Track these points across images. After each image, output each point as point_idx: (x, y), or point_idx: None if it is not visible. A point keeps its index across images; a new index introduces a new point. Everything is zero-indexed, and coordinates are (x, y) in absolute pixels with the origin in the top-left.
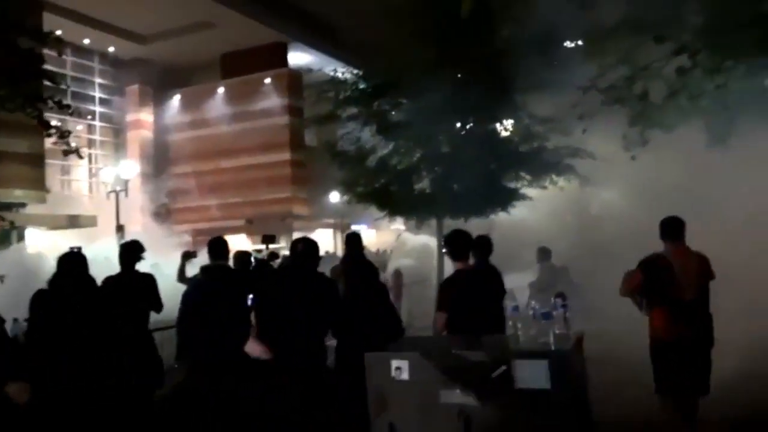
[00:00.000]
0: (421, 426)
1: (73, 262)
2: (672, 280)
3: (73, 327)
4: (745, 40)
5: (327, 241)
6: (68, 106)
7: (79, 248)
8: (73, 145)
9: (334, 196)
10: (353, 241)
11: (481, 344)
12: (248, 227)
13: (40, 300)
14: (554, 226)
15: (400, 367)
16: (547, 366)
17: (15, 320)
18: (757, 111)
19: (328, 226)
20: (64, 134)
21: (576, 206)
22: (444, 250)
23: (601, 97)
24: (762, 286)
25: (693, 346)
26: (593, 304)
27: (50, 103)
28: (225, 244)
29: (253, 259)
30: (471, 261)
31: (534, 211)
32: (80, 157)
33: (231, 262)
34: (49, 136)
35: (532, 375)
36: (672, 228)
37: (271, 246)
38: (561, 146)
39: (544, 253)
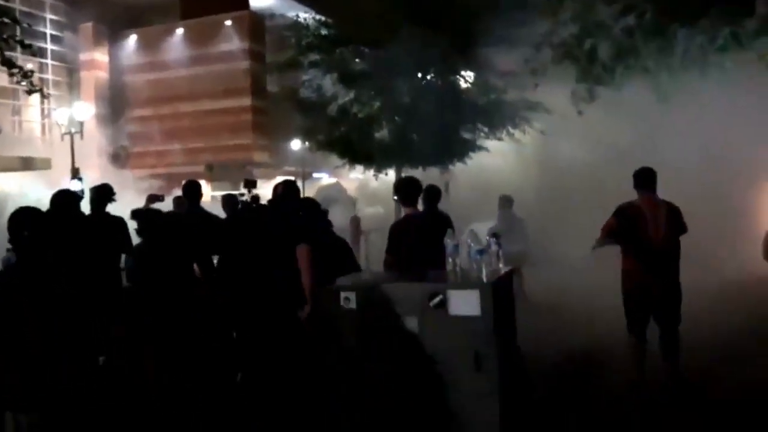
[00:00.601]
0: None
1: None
2: (644, 228)
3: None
4: (687, 3)
5: None
6: (30, 46)
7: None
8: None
9: (296, 144)
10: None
11: (421, 277)
12: (208, 173)
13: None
14: (519, 175)
15: (349, 298)
16: (478, 296)
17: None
18: (698, 70)
19: (289, 173)
20: (27, 74)
21: (538, 157)
22: (394, 197)
23: (553, 54)
24: (713, 232)
25: (661, 293)
26: (553, 249)
27: (11, 42)
28: (199, 187)
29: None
30: (420, 207)
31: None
32: (44, 96)
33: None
34: (12, 75)
35: (465, 303)
36: (645, 178)
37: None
38: (517, 100)
39: (505, 201)
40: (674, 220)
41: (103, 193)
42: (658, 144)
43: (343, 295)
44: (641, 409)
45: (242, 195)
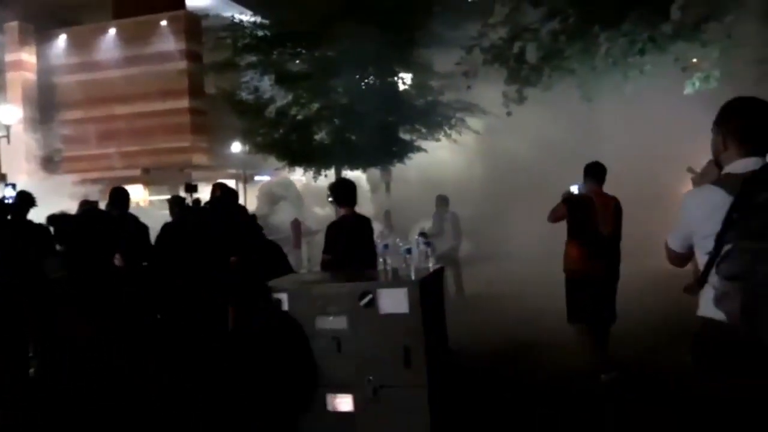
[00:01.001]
0: (300, 349)
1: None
2: (593, 218)
3: None
4: (609, 7)
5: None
6: None
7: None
8: None
9: (236, 146)
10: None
11: (352, 277)
12: (145, 177)
13: None
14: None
15: (280, 299)
16: (406, 293)
17: None
18: (620, 72)
19: (230, 176)
20: None
21: (475, 156)
22: (329, 199)
23: (483, 56)
24: (639, 225)
25: (603, 279)
26: (493, 244)
27: None
28: (126, 193)
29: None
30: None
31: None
32: None
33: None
34: None
35: (393, 301)
36: (597, 171)
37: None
38: (453, 101)
39: (441, 200)
40: (619, 214)
41: (24, 200)
42: (587, 141)
43: (274, 296)
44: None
45: (183, 199)
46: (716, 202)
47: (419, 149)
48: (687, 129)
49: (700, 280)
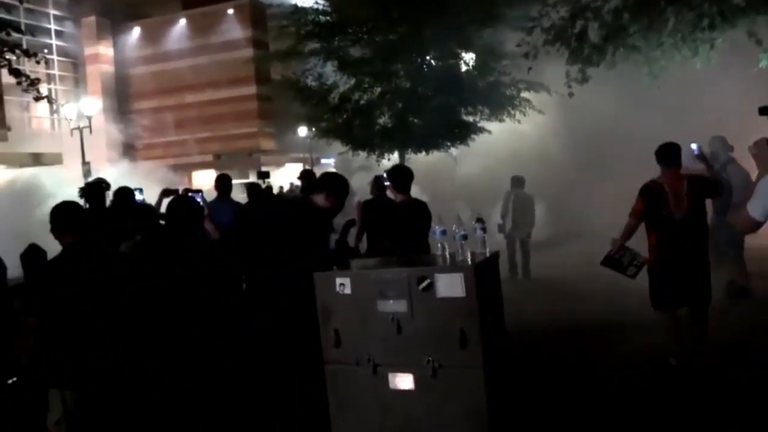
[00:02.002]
0: (361, 331)
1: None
2: (663, 203)
3: None
4: None
5: (297, 174)
6: (36, 54)
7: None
8: (44, 92)
9: (302, 130)
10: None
11: (410, 262)
12: (216, 162)
13: None
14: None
15: (344, 284)
16: (462, 278)
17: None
18: (689, 47)
19: (296, 160)
20: (34, 82)
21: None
22: (387, 183)
23: (544, 36)
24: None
25: (684, 263)
26: (564, 227)
27: (17, 51)
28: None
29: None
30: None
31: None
32: (51, 103)
33: None
34: (20, 84)
35: (450, 286)
36: (664, 154)
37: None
38: (516, 81)
39: (516, 181)
40: (695, 193)
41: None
42: (655, 119)
43: (338, 281)
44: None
45: (259, 185)
46: None
47: (482, 130)
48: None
49: None
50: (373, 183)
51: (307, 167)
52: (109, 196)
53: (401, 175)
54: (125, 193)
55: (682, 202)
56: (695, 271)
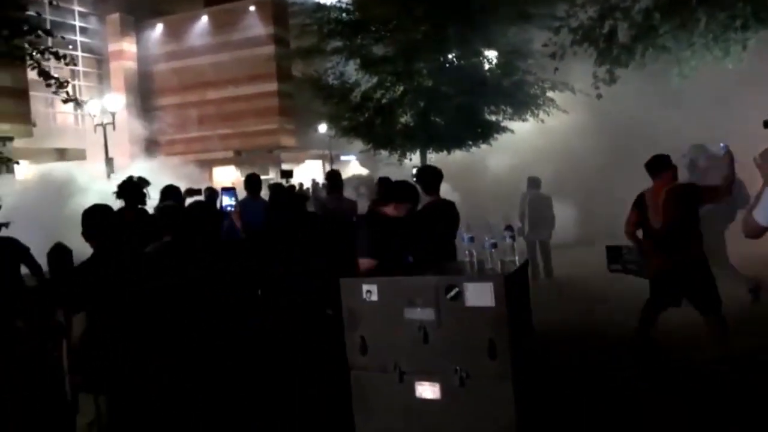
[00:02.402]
0: (387, 338)
1: None
2: (645, 213)
3: None
4: None
5: (317, 171)
6: (65, 56)
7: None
8: (70, 93)
9: (322, 128)
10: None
11: (439, 269)
12: (237, 158)
13: None
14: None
15: (371, 291)
16: (492, 287)
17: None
18: (721, 47)
19: (316, 157)
20: (63, 84)
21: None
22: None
23: (572, 36)
24: None
25: (673, 273)
26: (584, 228)
27: (47, 54)
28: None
29: None
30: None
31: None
32: (78, 104)
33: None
34: (49, 86)
35: (479, 295)
36: (648, 165)
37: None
38: (541, 80)
39: (532, 182)
40: (672, 202)
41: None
42: (684, 121)
43: (365, 288)
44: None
45: (281, 185)
46: None
47: (505, 130)
48: None
49: None
50: (378, 185)
51: (334, 167)
52: (148, 192)
53: (429, 176)
54: (173, 191)
55: (659, 211)
56: (683, 278)
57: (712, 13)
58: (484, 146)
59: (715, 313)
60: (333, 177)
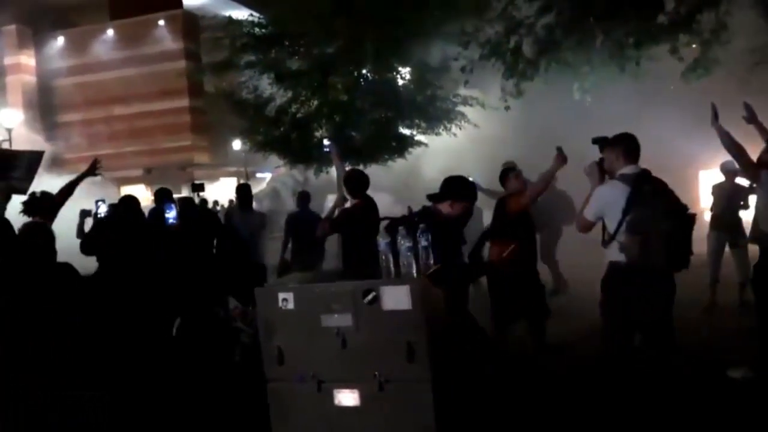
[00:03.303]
0: (306, 347)
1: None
2: None
3: None
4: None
5: (231, 189)
6: None
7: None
8: None
9: (237, 144)
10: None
11: (355, 275)
12: (147, 177)
13: None
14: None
15: (287, 299)
16: (408, 291)
17: None
18: (617, 63)
19: (231, 174)
20: None
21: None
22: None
23: (480, 51)
24: None
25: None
26: None
27: None
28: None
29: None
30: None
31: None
32: None
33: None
34: None
35: (396, 298)
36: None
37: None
38: (452, 94)
39: None
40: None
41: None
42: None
43: (281, 296)
44: None
45: (192, 199)
46: (620, 190)
47: (419, 144)
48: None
49: (611, 237)
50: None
51: (243, 181)
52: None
53: (360, 180)
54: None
55: None
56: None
57: (608, 31)
58: (399, 159)
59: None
60: (242, 191)
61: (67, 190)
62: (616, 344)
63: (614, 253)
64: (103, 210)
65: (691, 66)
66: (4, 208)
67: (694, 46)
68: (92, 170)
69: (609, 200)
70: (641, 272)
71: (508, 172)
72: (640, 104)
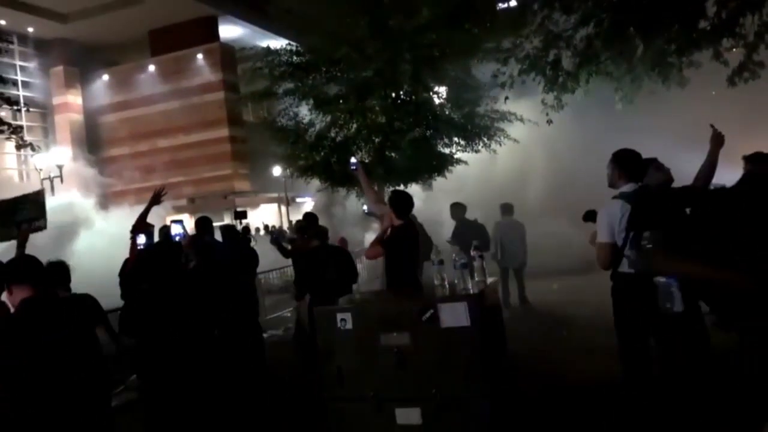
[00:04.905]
0: (364, 366)
1: None
2: None
3: None
4: (642, 8)
5: (272, 215)
6: (17, 102)
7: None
8: (27, 139)
9: (276, 170)
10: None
11: (412, 293)
12: (191, 206)
13: None
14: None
15: (345, 319)
16: (466, 307)
17: None
18: (659, 73)
19: (271, 200)
20: (16, 130)
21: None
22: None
23: (519, 66)
24: None
25: None
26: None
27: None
28: (211, 222)
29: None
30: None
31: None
32: (33, 150)
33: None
34: (1, 132)
35: (454, 315)
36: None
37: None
38: (490, 111)
39: (506, 209)
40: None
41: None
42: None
43: (339, 316)
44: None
45: (234, 227)
46: (618, 208)
47: (459, 161)
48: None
49: (620, 251)
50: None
51: (309, 211)
52: None
53: (401, 200)
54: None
55: None
56: None
57: (649, 39)
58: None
59: None
60: (308, 218)
61: (140, 221)
62: (631, 347)
63: (623, 266)
64: (176, 230)
65: (736, 69)
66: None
67: (737, 50)
68: (157, 198)
69: (611, 219)
70: (647, 280)
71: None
72: (684, 112)
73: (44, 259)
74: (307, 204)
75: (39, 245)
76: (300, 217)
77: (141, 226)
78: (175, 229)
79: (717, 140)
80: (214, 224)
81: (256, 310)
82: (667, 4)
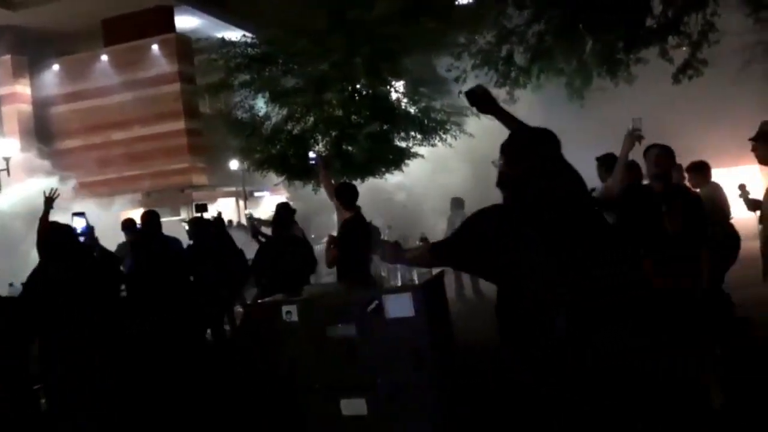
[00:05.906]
0: (314, 358)
1: None
2: None
3: None
4: (591, 6)
5: (230, 209)
6: None
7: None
8: None
9: (234, 164)
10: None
11: (358, 285)
12: (147, 200)
13: None
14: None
15: (290, 311)
16: (410, 298)
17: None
18: (608, 68)
19: (229, 194)
20: None
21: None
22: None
23: (473, 61)
24: None
25: None
26: None
27: None
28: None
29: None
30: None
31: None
32: None
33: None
34: None
35: (399, 306)
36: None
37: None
38: (446, 105)
39: (457, 203)
40: None
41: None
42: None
43: (284, 309)
44: None
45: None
46: None
47: (415, 156)
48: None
49: None
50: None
51: (241, 201)
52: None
53: (350, 192)
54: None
55: None
56: None
57: (598, 36)
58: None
59: None
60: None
61: (43, 224)
62: None
63: None
64: (79, 224)
65: (681, 67)
66: None
67: (683, 48)
68: (50, 202)
69: None
70: None
71: None
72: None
73: None
74: (266, 198)
75: None
76: (262, 210)
77: (45, 229)
78: (78, 223)
79: (631, 139)
80: (177, 218)
81: (224, 307)
82: (615, 1)
